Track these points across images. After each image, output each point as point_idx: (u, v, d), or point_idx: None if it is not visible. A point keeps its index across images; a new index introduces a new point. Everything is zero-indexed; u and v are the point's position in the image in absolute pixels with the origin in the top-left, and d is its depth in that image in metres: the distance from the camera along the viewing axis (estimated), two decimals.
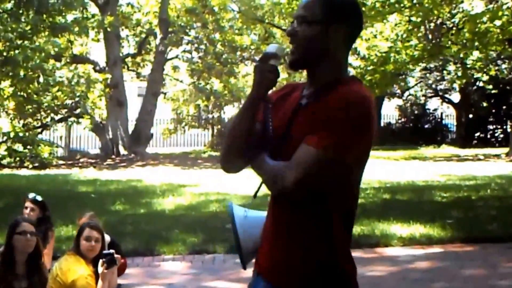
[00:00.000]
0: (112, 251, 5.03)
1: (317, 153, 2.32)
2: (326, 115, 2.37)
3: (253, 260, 2.72)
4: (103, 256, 4.90)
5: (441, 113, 34.77)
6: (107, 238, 5.79)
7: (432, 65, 28.49)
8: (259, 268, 2.62)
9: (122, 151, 24.25)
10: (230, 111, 31.33)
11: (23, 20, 16.31)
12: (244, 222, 2.76)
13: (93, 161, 23.23)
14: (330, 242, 2.45)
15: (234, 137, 2.56)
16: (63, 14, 17.22)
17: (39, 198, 5.99)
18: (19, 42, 16.45)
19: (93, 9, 24.75)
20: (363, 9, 13.75)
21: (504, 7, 16.40)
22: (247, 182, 14.51)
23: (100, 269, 4.84)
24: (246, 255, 2.73)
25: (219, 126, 31.44)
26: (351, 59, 25.00)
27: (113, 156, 23.91)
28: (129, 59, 28.72)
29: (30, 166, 20.97)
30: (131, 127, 25.49)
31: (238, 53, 28.09)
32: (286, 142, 2.47)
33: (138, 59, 29.31)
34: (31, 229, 4.82)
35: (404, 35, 19.14)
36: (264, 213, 2.69)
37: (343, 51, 2.57)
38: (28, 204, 5.94)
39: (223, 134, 31.15)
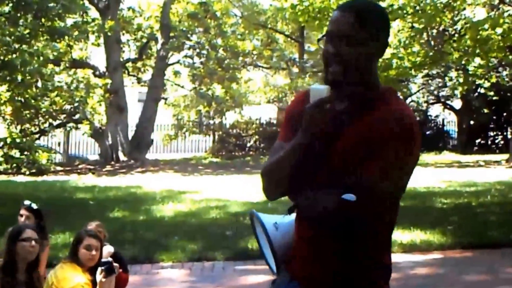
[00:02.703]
0: (110, 259, 4.99)
1: (381, 185, 2.35)
2: (376, 139, 2.37)
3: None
4: (101, 264, 4.85)
5: (443, 120, 34.77)
6: (111, 249, 5.72)
7: (434, 72, 28.50)
8: (294, 273, 2.62)
9: (122, 157, 24.16)
10: (232, 117, 31.28)
11: (21, 24, 16.23)
12: (275, 230, 2.74)
13: (92, 167, 23.13)
14: (373, 255, 2.50)
15: (277, 175, 2.55)
16: (63, 16, 17.10)
17: (34, 206, 5.90)
18: (17, 46, 16.34)
19: (93, 13, 24.65)
20: None
21: (505, 14, 16.44)
22: (247, 188, 14.59)
23: (99, 277, 4.79)
24: (280, 263, 2.72)
25: (220, 132, 31.39)
26: None
27: (113, 162, 23.82)
28: (129, 64, 28.58)
29: (27, 172, 20.70)
30: (131, 133, 25.43)
31: (241, 58, 28.05)
32: (330, 156, 2.46)
33: (139, 64, 29.18)
34: (35, 236, 4.74)
35: (407, 42, 19.09)
36: (292, 218, 2.69)
37: (376, 63, 2.57)
38: (23, 211, 5.84)
39: (224, 140, 31.16)
